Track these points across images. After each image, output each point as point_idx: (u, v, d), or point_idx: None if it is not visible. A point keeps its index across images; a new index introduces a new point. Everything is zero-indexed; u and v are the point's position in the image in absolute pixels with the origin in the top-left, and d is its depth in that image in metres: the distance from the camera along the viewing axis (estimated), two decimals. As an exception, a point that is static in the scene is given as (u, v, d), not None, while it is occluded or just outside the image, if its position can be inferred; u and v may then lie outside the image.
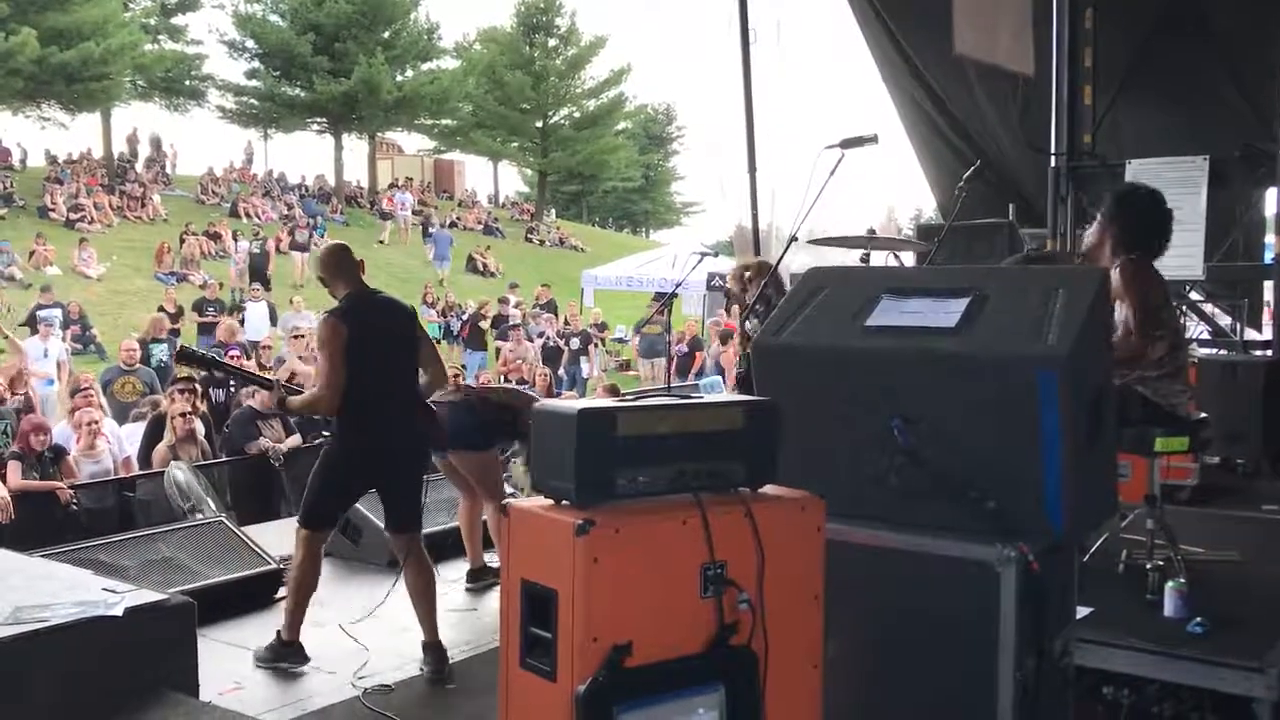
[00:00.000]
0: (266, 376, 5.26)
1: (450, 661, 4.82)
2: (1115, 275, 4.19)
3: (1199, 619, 3.67)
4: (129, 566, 5.35)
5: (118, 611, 3.59)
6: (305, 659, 4.74)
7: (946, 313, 2.98)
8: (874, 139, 5.61)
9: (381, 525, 6.35)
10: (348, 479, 4.86)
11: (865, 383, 3.02)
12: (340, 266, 4.86)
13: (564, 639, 2.30)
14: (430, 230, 31.99)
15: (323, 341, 4.69)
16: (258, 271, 22.35)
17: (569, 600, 2.28)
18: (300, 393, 5.14)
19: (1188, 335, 8.26)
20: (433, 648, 4.78)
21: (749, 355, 6.67)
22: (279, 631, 4.73)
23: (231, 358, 11.58)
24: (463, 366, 14.17)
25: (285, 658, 4.70)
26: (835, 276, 3.39)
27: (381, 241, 31.34)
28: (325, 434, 5.13)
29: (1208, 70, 8.68)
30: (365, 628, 5.25)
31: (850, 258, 6.31)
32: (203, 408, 9.39)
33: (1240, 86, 8.59)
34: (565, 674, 2.29)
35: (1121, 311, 4.24)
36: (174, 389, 9.32)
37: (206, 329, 16.70)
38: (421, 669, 4.78)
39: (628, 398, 2.83)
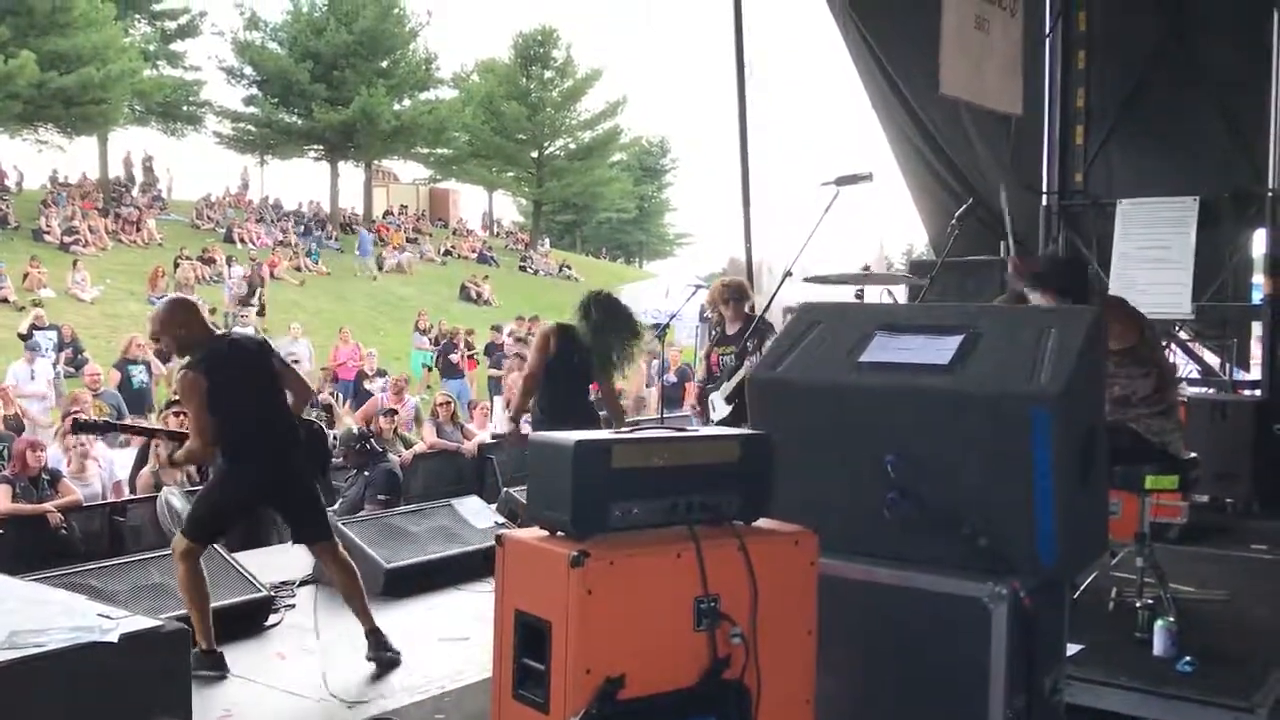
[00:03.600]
0: (158, 428, 5.55)
1: (396, 652, 5.08)
2: None
3: (1188, 658, 3.69)
4: (120, 592, 5.32)
5: (113, 638, 3.57)
6: (224, 667, 4.93)
7: (940, 350, 3.01)
8: (869, 177, 5.67)
9: (374, 554, 6.39)
10: (238, 505, 5.22)
11: (859, 418, 3.04)
12: (191, 319, 5.05)
13: (557, 671, 2.30)
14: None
15: (185, 395, 4.91)
16: (251, 297, 22.38)
17: (562, 632, 2.29)
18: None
19: (1178, 375, 8.31)
20: (373, 633, 5.09)
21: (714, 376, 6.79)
22: (199, 643, 4.79)
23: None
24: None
25: (205, 666, 4.80)
26: (830, 312, 3.42)
27: (380, 278, 31.49)
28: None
29: (1199, 111, 8.76)
30: (357, 657, 5.24)
31: (844, 293, 6.35)
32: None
33: (1231, 128, 8.67)
34: (558, 706, 2.29)
35: None
36: (168, 413, 9.31)
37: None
38: (367, 654, 5.05)
39: (622, 430, 2.85)
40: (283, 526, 8.50)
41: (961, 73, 7.95)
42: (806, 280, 6.17)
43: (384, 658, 5.05)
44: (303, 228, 33.86)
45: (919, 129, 10.17)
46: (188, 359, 4.94)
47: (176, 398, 9.72)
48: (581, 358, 6.25)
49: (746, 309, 6.78)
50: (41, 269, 22.29)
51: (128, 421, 6.59)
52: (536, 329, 6.02)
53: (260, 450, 4.95)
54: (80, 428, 5.74)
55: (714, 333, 7.19)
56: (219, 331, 5.18)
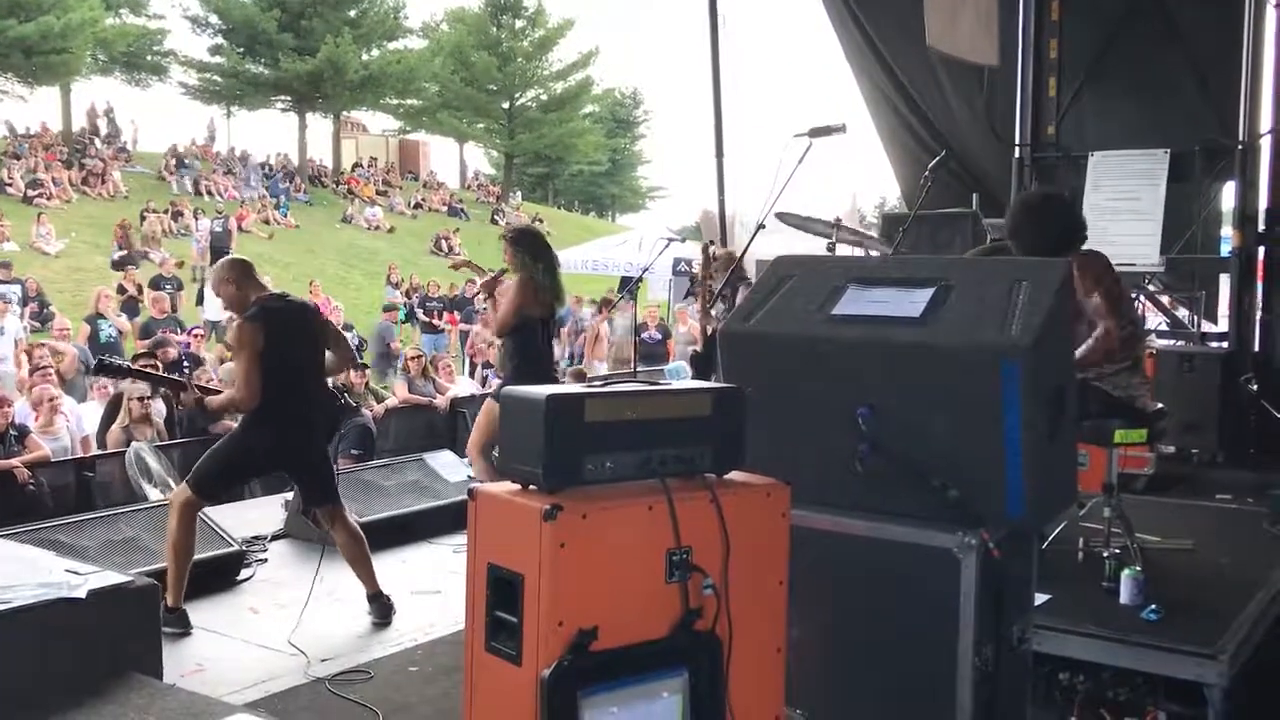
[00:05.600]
0: (178, 379, 5.58)
1: (395, 611, 5.24)
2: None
3: (1153, 606, 3.74)
4: (89, 547, 5.30)
5: (81, 594, 3.56)
6: (188, 625, 4.97)
7: (912, 302, 3.01)
8: (842, 128, 5.64)
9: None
10: (253, 464, 5.38)
11: (831, 371, 3.04)
12: (247, 275, 5.20)
13: (530, 623, 2.30)
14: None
15: (240, 345, 5.00)
16: (219, 250, 22.12)
17: (535, 584, 2.29)
18: (213, 392, 5.45)
19: (1146, 327, 8.38)
20: (376, 598, 5.23)
21: (709, 337, 6.77)
22: (164, 599, 4.74)
23: (195, 335, 11.57)
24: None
25: (170, 624, 4.78)
26: (803, 265, 3.41)
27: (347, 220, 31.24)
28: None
29: (1171, 65, 8.77)
30: (329, 612, 5.25)
31: (814, 245, 6.34)
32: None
33: (1202, 81, 8.69)
34: (530, 658, 2.29)
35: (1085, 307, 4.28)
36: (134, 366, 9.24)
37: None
38: (369, 616, 5.20)
39: (595, 383, 2.84)
40: (255, 481, 8.53)
41: (943, 23, 7.93)
42: (779, 215, 6.13)
43: (383, 622, 5.17)
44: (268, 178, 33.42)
45: (892, 81, 10.14)
46: (246, 311, 5.06)
47: (143, 351, 9.69)
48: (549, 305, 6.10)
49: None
50: (4, 222, 21.94)
51: (143, 368, 6.53)
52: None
53: (286, 411, 5.01)
54: (102, 369, 5.71)
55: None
56: (271, 290, 5.28)
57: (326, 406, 5.34)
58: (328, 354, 5.30)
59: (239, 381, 5.00)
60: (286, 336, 5.02)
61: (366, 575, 5.23)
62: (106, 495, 7.79)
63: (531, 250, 5.97)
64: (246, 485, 7.97)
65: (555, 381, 6.23)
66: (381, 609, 5.19)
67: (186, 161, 32.05)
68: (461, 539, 5.71)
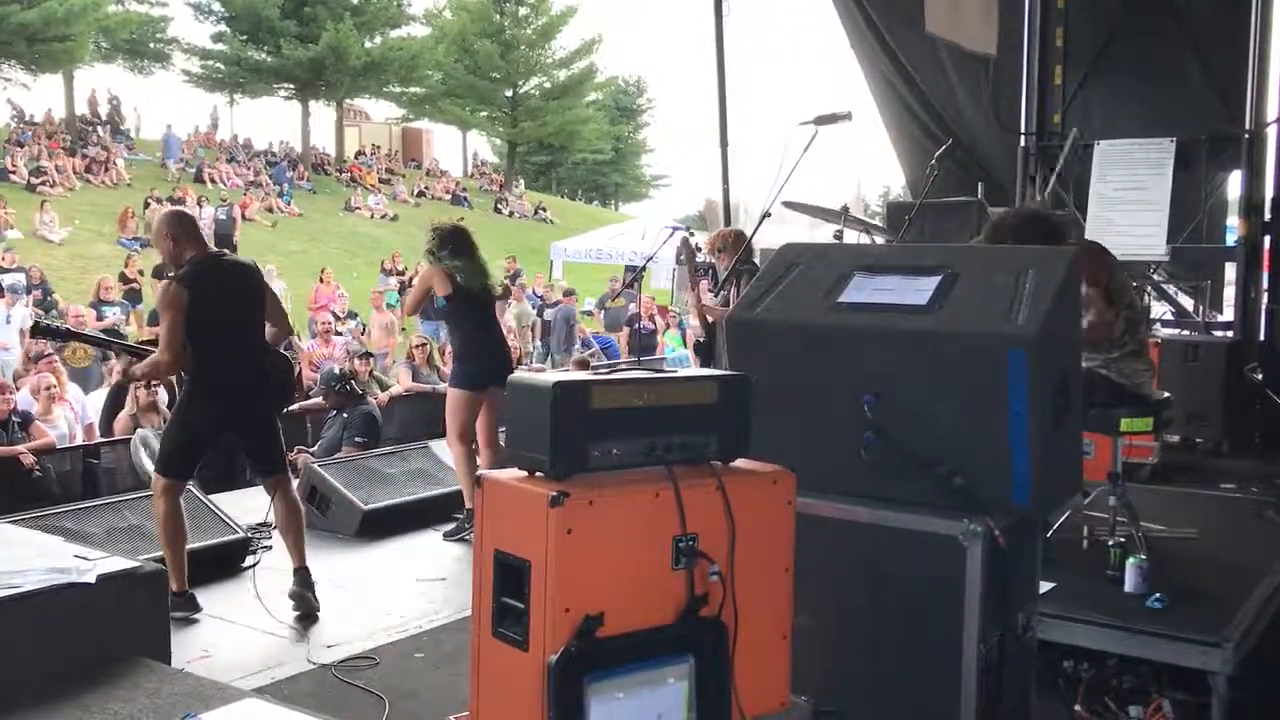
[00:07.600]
0: (113, 340, 5.47)
1: (316, 597, 5.08)
2: None
3: (1158, 594, 3.75)
4: (95, 534, 5.31)
5: (90, 579, 3.57)
6: (198, 607, 4.97)
7: (918, 291, 3.01)
8: (848, 116, 5.63)
9: (351, 496, 6.40)
10: (202, 434, 5.04)
11: (837, 359, 3.04)
12: (187, 230, 4.96)
13: (536, 609, 2.31)
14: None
15: (163, 306, 4.79)
16: (223, 238, 22.11)
17: (542, 571, 2.30)
18: (145, 354, 5.14)
19: (1152, 316, 8.37)
20: (300, 571, 5.10)
21: (711, 325, 6.76)
22: (169, 585, 4.63)
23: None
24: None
25: (180, 607, 4.78)
26: (809, 253, 3.41)
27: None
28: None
29: (1176, 53, 8.74)
30: (335, 597, 5.26)
31: (819, 233, 6.34)
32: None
33: (1207, 70, 8.66)
34: (537, 644, 2.30)
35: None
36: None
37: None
38: (290, 590, 5.06)
39: (600, 371, 2.85)
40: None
41: (944, 10, 7.91)
42: (785, 204, 6.11)
43: (304, 596, 5.05)
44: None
45: (897, 69, 10.11)
46: (177, 270, 4.82)
47: (147, 338, 9.73)
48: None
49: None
50: (8, 209, 21.94)
51: (87, 332, 6.59)
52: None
53: (225, 378, 4.86)
54: (39, 331, 5.65)
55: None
56: (212, 249, 5.07)
57: (274, 369, 5.14)
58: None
59: (161, 343, 4.80)
60: (221, 299, 4.81)
61: (296, 547, 5.15)
62: (112, 482, 7.81)
63: (441, 243, 6.21)
64: (237, 463, 7.96)
65: (497, 353, 6.34)
66: (302, 582, 5.08)
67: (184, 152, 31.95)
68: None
